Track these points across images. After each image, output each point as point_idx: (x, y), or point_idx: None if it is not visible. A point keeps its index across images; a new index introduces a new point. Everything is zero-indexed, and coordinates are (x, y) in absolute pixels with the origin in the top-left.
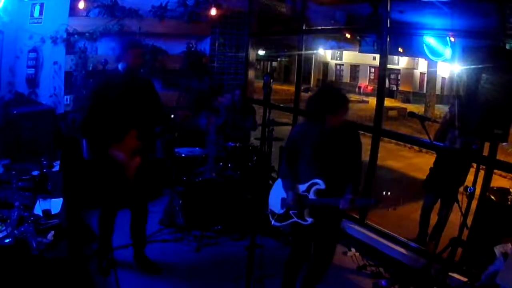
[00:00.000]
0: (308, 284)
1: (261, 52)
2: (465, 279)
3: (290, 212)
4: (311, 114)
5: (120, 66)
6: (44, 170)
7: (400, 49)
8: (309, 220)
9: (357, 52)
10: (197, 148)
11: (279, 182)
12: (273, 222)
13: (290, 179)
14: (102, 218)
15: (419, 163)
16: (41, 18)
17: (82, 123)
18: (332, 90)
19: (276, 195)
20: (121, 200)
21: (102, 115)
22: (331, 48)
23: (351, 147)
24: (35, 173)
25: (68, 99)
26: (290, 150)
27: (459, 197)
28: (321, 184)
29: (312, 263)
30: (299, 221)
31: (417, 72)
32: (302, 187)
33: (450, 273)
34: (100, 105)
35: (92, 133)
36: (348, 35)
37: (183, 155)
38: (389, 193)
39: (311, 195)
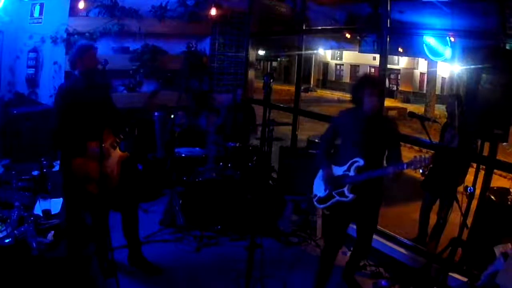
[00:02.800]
0: (351, 268)
1: (261, 52)
2: (465, 279)
3: (333, 192)
4: (353, 97)
5: (77, 72)
6: (44, 170)
7: (400, 49)
8: (350, 196)
9: (357, 52)
10: (197, 148)
11: None
12: (317, 205)
13: (325, 161)
14: (95, 220)
15: None
16: (41, 18)
17: (55, 132)
18: (369, 76)
19: (320, 179)
20: (109, 202)
21: (72, 121)
22: (331, 48)
23: (389, 133)
24: (35, 173)
25: None
26: (329, 135)
27: (459, 197)
28: (360, 162)
29: (354, 247)
30: (341, 199)
31: (417, 72)
32: (342, 168)
33: (450, 273)
34: (68, 112)
35: (66, 140)
36: (348, 35)
37: (183, 155)
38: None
39: (352, 173)
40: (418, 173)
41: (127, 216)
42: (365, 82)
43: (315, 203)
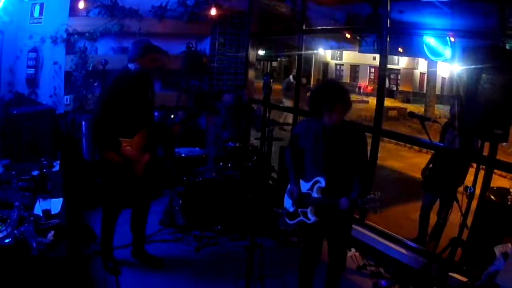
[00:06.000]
0: (330, 284)
1: (261, 52)
2: (465, 279)
3: (298, 210)
4: (310, 110)
5: (132, 66)
6: (44, 170)
7: (400, 49)
8: (312, 218)
9: (357, 52)
10: (197, 148)
11: None
12: (287, 220)
13: (293, 176)
14: (106, 218)
15: (419, 163)
16: (41, 18)
17: (96, 120)
18: (330, 85)
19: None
20: (127, 199)
21: (115, 113)
22: (331, 48)
23: (354, 146)
24: (35, 173)
25: (68, 99)
26: (293, 147)
27: (459, 197)
28: (322, 183)
29: (328, 264)
30: (304, 219)
31: (417, 72)
32: (307, 185)
33: (450, 273)
34: (114, 104)
35: (105, 131)
36: (348, 35)
37: (183, 155)
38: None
39: (314, 193)
40: (418, 173)
41: (139, 212)
42: (323, 95)
43: (285, 217)
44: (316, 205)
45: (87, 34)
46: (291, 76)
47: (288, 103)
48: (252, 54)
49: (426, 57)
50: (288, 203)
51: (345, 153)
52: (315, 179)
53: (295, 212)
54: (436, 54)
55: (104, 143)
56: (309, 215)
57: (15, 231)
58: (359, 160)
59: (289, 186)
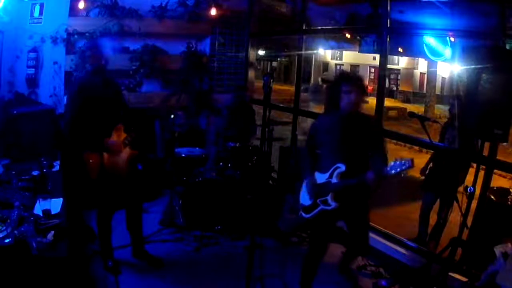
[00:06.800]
0: (346, 262)
1: (261, 52)
2: (465, 279)
3: (317, 200)
4: (328, 98)
5: (88, 69)
6: (44, 170)
7: (400, 49)
8: (333, 204)
9: (357, 52)
10: (197, 148)
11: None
12: (303, 214)
13: (309, 171)
14: (100, 218)
15: (419, 163)
16: (41, 18)
17: (69, 125)
18: (346, 72)
19: (305, 189)
20: (116, 199)
21: (86, 115)
22: (331, 48)
23: (370, 133)
24: (35, 173)
25: None
26: (310, 142)
27: (459, 197)
28: (342, 167)
29: (349, 246)
30: (324, 207)
31: (417, 72)
32: (324, 176)
33: (450, 273)
34: (83, 106)
35: (79, 133)
36: (348, 35)
37: (183, 155)
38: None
39: (334, 180)
40: (418, 173)
41: (133, 212)
42: (340, 79)
43: (301, 213)
44: (337, 191)
45: (87, 34)
46: (319, 79)
47: (316, 108)
48: (252, 54)
49: (426, 57)
50: (304, 198)
51: (362, 138)
52: (334, 167)
53: (314, 203)
54: (436, 54)
55: (83, 144)
56: (330, 201)
57: (15, 231)
58: (377, 144)
59: (305, 181)
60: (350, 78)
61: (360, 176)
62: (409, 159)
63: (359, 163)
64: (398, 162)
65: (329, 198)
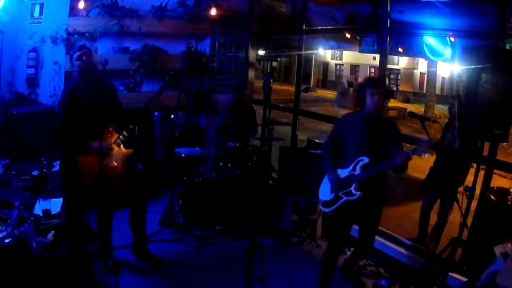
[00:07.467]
0: (350, 265)
1: (261, 52)
2: (465, 279)
3: (340, 193)
4: (356, 100)
5: (75, 73)
6: (44, 170)
7: (400, 49)
8: (357, 193)
9: (357, 52)
10: (197, 148)
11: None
12: (323, 209)
13: (331, 167)
14: (100, 219)
15: (419, 163)
16: (41, 18)
17: (58, 131)
18: (373, 77)
19: (326, 184)
20: (115, 199)
21: (75, 120)
22: (331, 48)
23: (391, 135)
24: (35, 173)
25: None
26: (334, 137)
27: (459, 197)
28: (365, 159)
29: (355, 247)
30: (348, 198)
31: (417, 72)
32: (347, 170)
33: (450, 273)
34: (72, 111)
35: (69, 139)
36: (348, 35)
37: (183, 155)
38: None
39: (358, 171)
40: (418, 173)
41: (137, 212)
42: (368, 82)
43: (321, 208)
44: (361, 182)
45: (87, 34)
46: (345, 83)
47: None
48: (252, 54)
49: (426, 57)
50: (324, 193)
51: (384, 138)
52: (357, 160)
53: (335, 197)
54: (436, 54)
55: (72, 148)
56: (353, 191)
57: (15, 231)
58: (397, 145)
59: (327, 176)
60: (375, 83)
61: (387, 161)
62: (432, 141)
63: (381, 159)
64: (424, 142)
65: (352, 188)
